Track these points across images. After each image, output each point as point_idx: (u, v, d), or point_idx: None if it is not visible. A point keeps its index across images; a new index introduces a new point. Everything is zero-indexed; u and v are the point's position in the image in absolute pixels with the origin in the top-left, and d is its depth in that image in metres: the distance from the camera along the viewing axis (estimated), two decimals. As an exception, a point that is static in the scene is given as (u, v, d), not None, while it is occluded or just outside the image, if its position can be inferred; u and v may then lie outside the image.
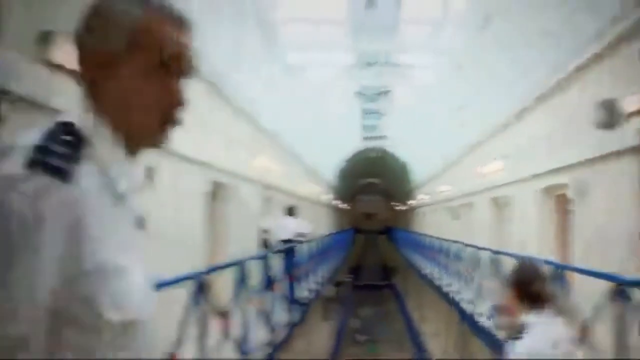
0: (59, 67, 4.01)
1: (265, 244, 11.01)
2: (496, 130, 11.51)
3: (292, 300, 8.72)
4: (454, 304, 11.08)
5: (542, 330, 2.43)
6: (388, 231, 40.14)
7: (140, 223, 1.05)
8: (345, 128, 28.55)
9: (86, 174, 0.87)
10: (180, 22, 1.00)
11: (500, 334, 3.23)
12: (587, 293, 5.08)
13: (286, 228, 10.31)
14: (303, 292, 9.77)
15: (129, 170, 0.98)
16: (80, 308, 0.86)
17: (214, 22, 8.46)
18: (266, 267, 6.87)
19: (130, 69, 0.96)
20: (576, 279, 5.92)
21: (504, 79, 10.92)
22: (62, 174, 0.83)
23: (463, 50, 14.58)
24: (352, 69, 19.45)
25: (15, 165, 0.82)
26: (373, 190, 46.34)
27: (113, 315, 0.88)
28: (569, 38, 7.17)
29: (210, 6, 8.11)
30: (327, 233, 19.12)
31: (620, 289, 4.29)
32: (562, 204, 8.21)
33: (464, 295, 9.94)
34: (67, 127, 0.91)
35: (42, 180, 0.82)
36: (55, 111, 3.45)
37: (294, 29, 15.17)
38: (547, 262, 4.72)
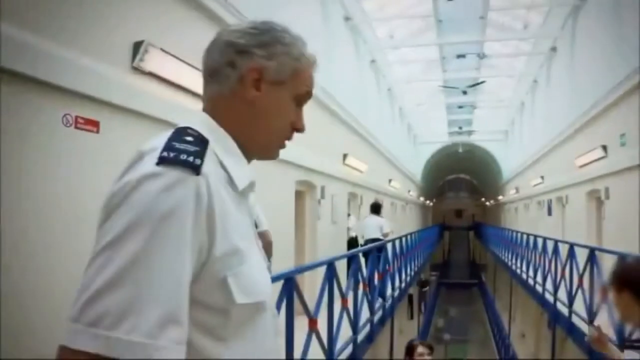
0: (150, 75, 4.17)
1: (352, 243, 11.00)
2: (595, 115, 10.75)
3: (377, 299, 8.65)
4: (546, 304, 10.59)
5: None
6: (476, 227, 39.03)
7: (254, 223, 1.15)
8: (432, 123, 28.07)
9: (210, 169, 0.96)
10: (315, 64, 1.17)
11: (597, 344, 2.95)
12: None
13: (372, 226, 10.24)
14: (389, 290, 9.67)
15: (247, 173, 1.08)
16: (211, 291, 0.95)
17: (302, 18, 8.54)
18: (353, 266, 6.84)
19: (283, 96, 1.11)
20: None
21: (604, 58, 10.23)
22: (193, 168, 0.92)
23: (558, 32, 13.89)
24: (438, 63, 19.05)
25: (150, 164, 0.91)
26: (461, 186, 45.27)
27: (242, 298, 0.97)
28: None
29: (298, 4, 8.22)
30: (414, 230, 18.85)
31: None
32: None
33: (558, 296, 9.46)
34: (187, 130, 1.01)
35: (176, 174, 0.91)
36: (148, 118, 3.54)
37: (379, 25, 15.08)
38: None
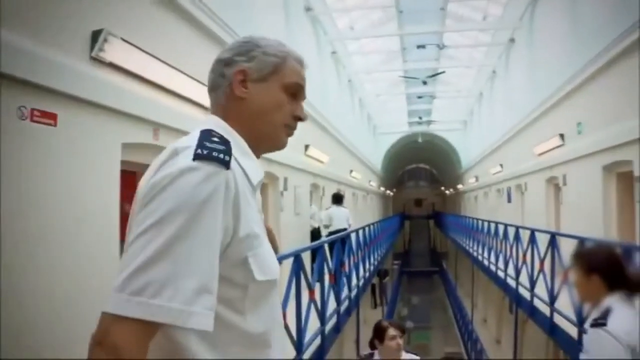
0: (110, 65, 4.01)
1: (314, 234, 10.98)
2: (552, 105, 10.97)
3: (342, 290, 8.65)
4: (508, 289, 10.81)
5: (632, 316, 2.24)
6: (437, 216, 39.61)
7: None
8: (392, 113, 28.25)
9: (233, 166, 1.13)
10: (302, 63, 1.35)
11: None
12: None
13: (340, 217, 10.23)
14: (353, 280, 9.69)
15: (258, 170, 1.25)
16: (234, 268, 1.12)
17: (263, 9, 8.44)
18: (319, 258, 6.80)
19: (271, 89, 1.29)
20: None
21: (561, 49, 10.44)
22: (224, 163, 1.09)
23: (516, 23, 14.09)
24: (399, 53, 19.14)
25: (187, 159, 1.08)
26: (420, 176, 45.84)
27: (260, 276, 1.14)
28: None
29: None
30: (375, 220, 18.97)
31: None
32: (625, 182, 7.82)
33: (519, 280, 9.67)
34: (212, 132, 1.18)
35: (211, 168, 1.08)
36: (110, 110, 3.38)
37: (340, 15, 15.03)
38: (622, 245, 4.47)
